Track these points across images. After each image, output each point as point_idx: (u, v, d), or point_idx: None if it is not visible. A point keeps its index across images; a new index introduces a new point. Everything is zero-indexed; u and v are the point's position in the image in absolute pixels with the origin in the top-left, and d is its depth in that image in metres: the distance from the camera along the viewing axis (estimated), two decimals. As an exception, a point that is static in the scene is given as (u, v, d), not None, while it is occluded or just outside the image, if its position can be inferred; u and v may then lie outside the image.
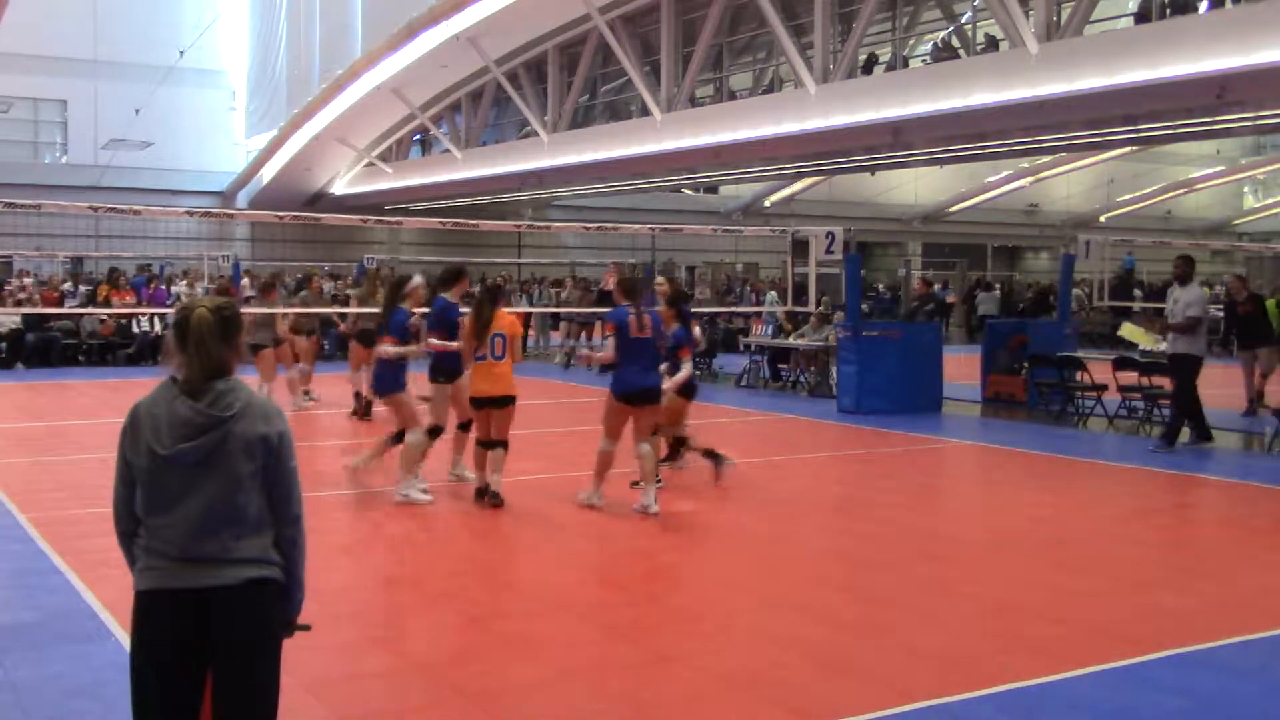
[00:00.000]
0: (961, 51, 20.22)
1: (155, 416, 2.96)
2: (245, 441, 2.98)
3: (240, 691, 3.04)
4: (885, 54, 21.86)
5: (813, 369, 16.94)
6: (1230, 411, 13.88)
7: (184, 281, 25.50)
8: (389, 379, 8.73)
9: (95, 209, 13.62)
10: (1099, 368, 13.60)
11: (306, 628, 3.30)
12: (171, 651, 2.98)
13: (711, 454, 9.34)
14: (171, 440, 2.94)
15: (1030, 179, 42.66)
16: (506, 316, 8.41)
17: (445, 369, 8.82)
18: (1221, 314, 18.55)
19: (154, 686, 2.98)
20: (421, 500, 8.51)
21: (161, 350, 2.94)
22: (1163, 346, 11.85)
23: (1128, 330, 12.67)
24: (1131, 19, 17.67)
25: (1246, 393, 14.23)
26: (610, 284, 18.39)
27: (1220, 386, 14.40)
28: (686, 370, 8.80)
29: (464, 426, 9.16)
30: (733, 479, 9.53)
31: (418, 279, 9.20)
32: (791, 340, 17.34)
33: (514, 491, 9.19)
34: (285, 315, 14.04)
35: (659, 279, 10.88)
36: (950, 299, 30.00)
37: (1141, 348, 13.08)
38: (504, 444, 8.38)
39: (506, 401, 8.33)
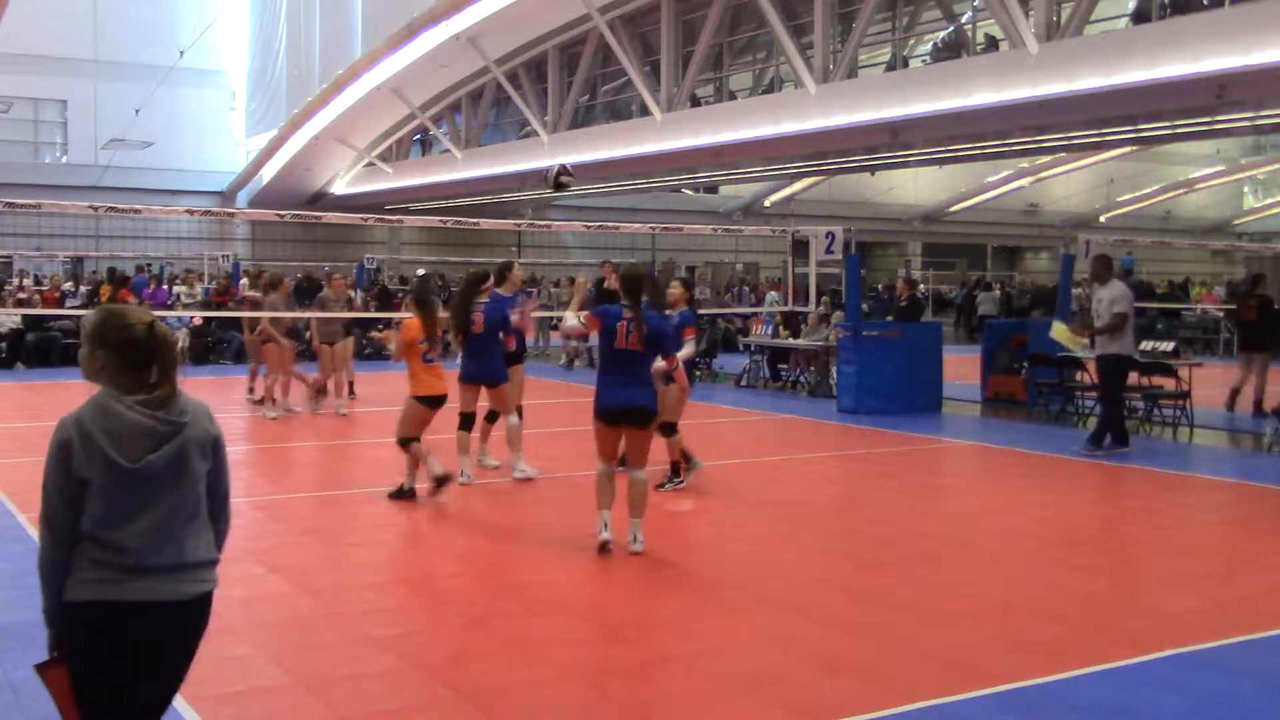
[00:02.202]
0: (962, 51, 20.23)
1: (110, 431, 2.93)
2: (200, 444, 3.06)
3: (169, 693, 3.11)
4: (884, 55, 21.87)
5: (813, 369, 16.94)
6: (1242, 412, 13.85)
7: (183, 284, 25.46)
8: (495, 366, 9.32)
9: (95, 209, 13.62)
10: (1099, 368, 13.59)
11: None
12: (126, 663, 2.97)
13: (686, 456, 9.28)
14: (137, 452, 2.93)
15: (1030, 179, 42.67)
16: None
17: (514, 357, 9.78)
18: (1222, 314, 18.45)
19: (107, 701, 2.97)
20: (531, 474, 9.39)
21: (99, 364, 2.89)
22: (1090, 350, 11.39)
23: (1058, 331, 12.08)
24: (1131, 19, 17.64)
25: (1229, 389, 14.19)
26: (610, 280, 18.27)
27: (1222, 386, 14.39)
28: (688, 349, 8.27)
29: (490, 417, 9.85)
30: (733, 479, 9.52)
31: (517, 270, 9.92)
32: (791, 341, 17.33)
33: (513, 491, 9.20)
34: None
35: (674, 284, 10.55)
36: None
37: (1073, 351, 12.53)
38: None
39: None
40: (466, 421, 9.18)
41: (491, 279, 9.48)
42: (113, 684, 2.96)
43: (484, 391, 9.37)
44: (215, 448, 3.10)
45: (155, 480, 2.96)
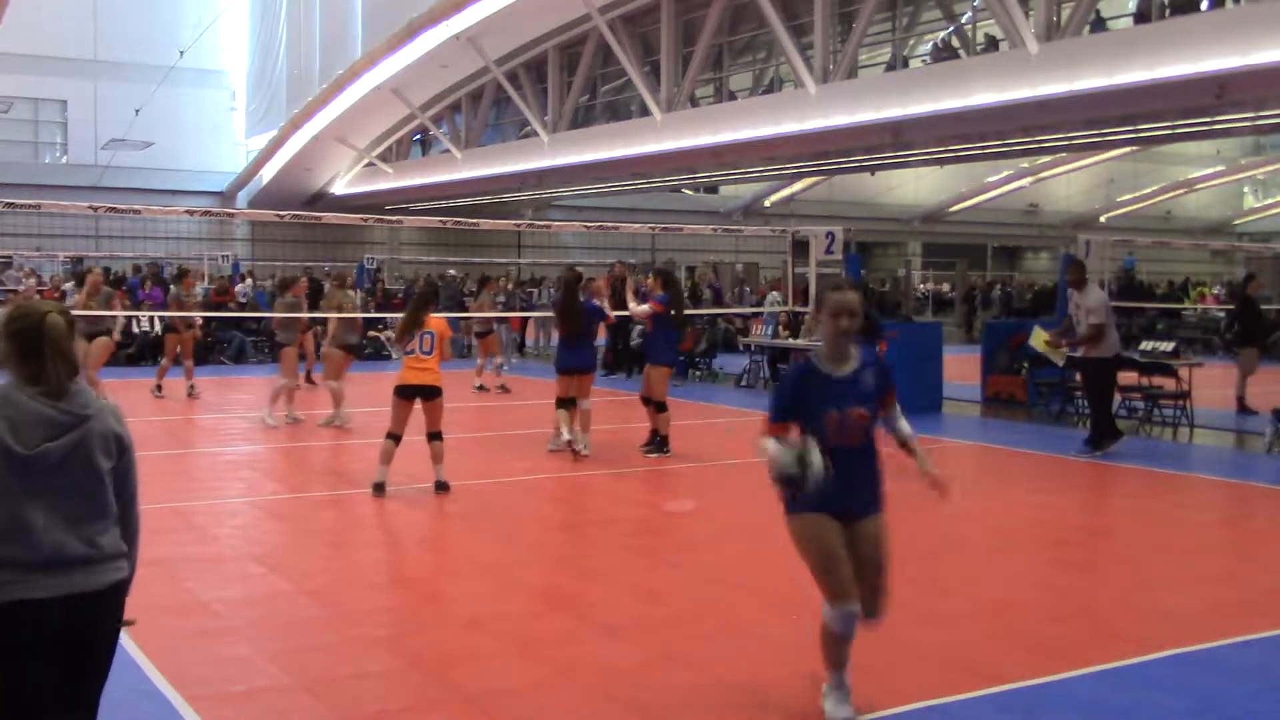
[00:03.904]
0: (961, 51, 20.23)
1: (9, 418, 2.92)
2: (103, 439, 3.05)
3: (90, 689, 3.09)
4: (884, 55, 21.87)
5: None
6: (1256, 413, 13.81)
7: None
8: (590, 357, 10.75)
9: (95, 209, 13.64)
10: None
11: (131, 622, 3.30)
12: (46, 662, 2.95)
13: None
14: (35, 440, 2.93)
15: (1030, 179, 42.69)
16: (436, 319, 9.04)
17: None
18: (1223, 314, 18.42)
19: (29, 704, 2.95)
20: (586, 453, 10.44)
21: (3, 354, 2.98)
22: (1077, 352, 11.38)
23: (1037, 340, 11.94)
24: (1090, 27, 17.56)
25: (1236, 390, 14.18)
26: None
27: (1221, 387, 14.38)
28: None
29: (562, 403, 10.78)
30: (733, 479, 9.50)
31: (598, 281, 11.45)
32: (791, 341, 17.31)
33: (515, 491, 9.20)
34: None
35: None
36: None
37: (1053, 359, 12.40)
38: (439, 435, 8.84)
39: (434, 393, 8.82)
40: (563, 403, 10.55)
41: (583, 278, 11.06)
42: (35, 686, 2.94)
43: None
44: (121, 447, 3.10)
45: (54, 471, 2.95)
